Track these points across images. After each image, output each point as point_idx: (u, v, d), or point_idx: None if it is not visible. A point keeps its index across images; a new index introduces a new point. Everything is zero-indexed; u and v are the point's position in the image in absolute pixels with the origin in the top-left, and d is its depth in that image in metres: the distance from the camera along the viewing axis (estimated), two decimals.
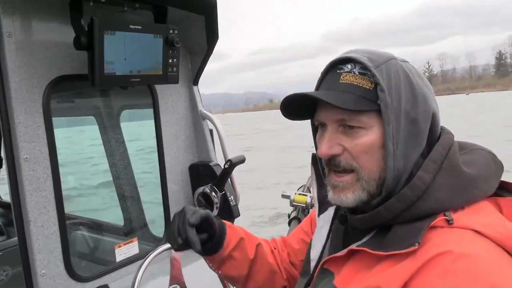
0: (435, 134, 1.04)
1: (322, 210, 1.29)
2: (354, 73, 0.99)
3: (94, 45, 1.68)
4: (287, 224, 3.01)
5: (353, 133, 0.98)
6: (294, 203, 2.81)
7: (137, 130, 3.33)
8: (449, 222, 0.91)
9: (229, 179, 2.41)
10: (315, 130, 1.13)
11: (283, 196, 2.81)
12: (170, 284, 1.70)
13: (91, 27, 1.68)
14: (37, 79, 1.80)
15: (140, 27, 1.82)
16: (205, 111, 2.50)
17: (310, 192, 2.81)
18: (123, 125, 2.91)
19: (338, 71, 1.02)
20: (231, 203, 2.37)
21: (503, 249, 0.88)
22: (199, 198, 2.42)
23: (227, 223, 1.38)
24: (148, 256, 1.78)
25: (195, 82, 2.50)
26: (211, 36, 2.27)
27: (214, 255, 1.32)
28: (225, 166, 2.26)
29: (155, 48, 1.91)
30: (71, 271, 1.91)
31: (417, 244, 0.89)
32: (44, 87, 1.82)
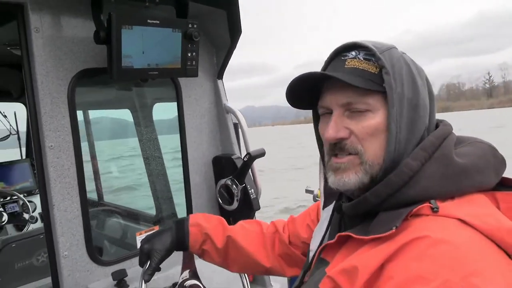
0: (431, 125, 1.04)
1: (327, 203, 1.31)
2: (359, 58, 1.01)
3: (111, 39, 1.76)
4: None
5: (360, 115, 0.98)
6: (317, 198, 2.80)
7: None
8: (433, 210, 0.89)
9: (250, 173, 2.44)
10: (316, 119, 1.14)
11: (307, 191, 2.80)
12: (182, 272, 1.74)
13: (109, 22, 1.75)
14: (62, 72, 1.90)
15: (158, 22, 1.88)
16: (229, 105, 2.54)
17: None
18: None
19: (342, 57, 1.04)
20: (251, 196, 2.39)
21: (492, 242, 0.85)
22: (220, 190, 2.47)
23: (197, 221, 1.58)
24: None
25: (220, 76, 2.54)
26: (234, 30, 2.30)
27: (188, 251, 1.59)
28: (245, 159, 2.28)
29: (174, 42, 1.96)
30: (92, 254, 2.02)
31: (394, 228, 0.88)
32: (69, 79, 1.92)
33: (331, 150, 1.04)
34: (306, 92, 1.09)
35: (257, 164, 2.36)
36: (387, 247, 0.88)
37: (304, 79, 1.04)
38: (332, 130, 1.00)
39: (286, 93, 1.10)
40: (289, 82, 1.06)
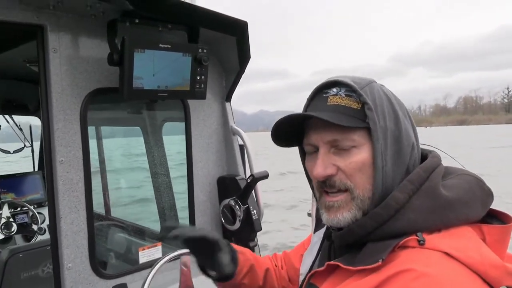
0: (415, 155, 1.06)
1: (318, 227, 1.34)
2: (340, 95, 1.03)
3: (124, 61, 1.85)
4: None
5: (346, 152, 1.01)
6: None
7: None
8: (419, 242, 0.91)
9: (254, 194, 2.49)
10: (303, 155, 1.16)
11: (309, 214, 2.82)
12: None
13: (122, 45, 1.85)
14: (77, 90, 2.00)
15: (169, 46, 1.97)
16: (235, 127, 2.61)
17: None
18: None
19: (324, 95, 1.06)
20: (254, 217, 2.44)
21: (477, 275, 0.87)
22: (224, 209, 2.51)
23: (238, 248, 1.42)
24: (160, 260, 1.88)
25: (228, 98, 2.62)
26: (243, 56, 2.39)
27: (227, 281, 1.38)
28: (248, 181, 2.34)
29: (184, 65, 2.05)
30: (95, 267, 2.07)
31: (380, 260, 0.90)
32: (82, 97, 2.02)
33: (321, 187, 1.06)
34: (291, 130, 1.11)
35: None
36: (373, 279, 0.90)
37: (289, 120, 1.07)
38: (320, 168, 1.01)
39: (272, 134, 1.11)
40: (277, 120, 1.07)
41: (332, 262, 1.03)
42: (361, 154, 1.00)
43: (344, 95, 1.03)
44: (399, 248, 0.93)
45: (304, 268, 1.28)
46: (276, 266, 1.53)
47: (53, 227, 1.99)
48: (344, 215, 1.02)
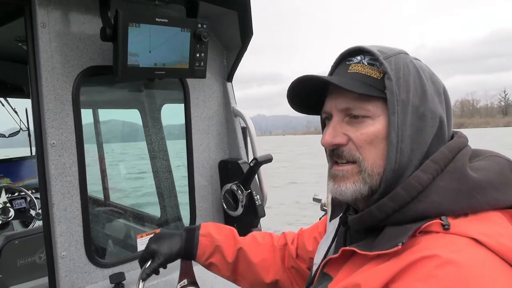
0: (442, 137, 0.97)
1: (334, 215, 1.26)
2: (363, 63, 0.98)
3: (118, 36, 1.72)
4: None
5: (358, 122, 0.95)
6: (325, 207, 2.72)
7: None
8: (444, 227, 0.83)
9: (257, 179, 2.38)
10: (324, 124, 1.09)
11: (314, 199, 2.72)
12: (180, 280, 1.69)
13: (116, 19, 1.72)
14: (68, 69, 1.87)
15: (166, 20, 1.83)
16: (237, 108, 2.49)
17: None
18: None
19: (347, 62, 1.01)
20: (257, 202, 2.34)
21: (508, 263, 0.78)
22: (225, 195, 2.41)
23: (209, 231, 1.53)
24: None
25: (229, 78, 2.49)
26: (245, 32, 2.25)
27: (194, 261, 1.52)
28: (251, 164, 2.23)
29: (182, 41, 1.92)
30: (91, 256, 1.98)
31: (400, 244, 0.83)
32: (74, 76, 1.89)
33: (330, 157, 1.01)
34: (311, 96, 1.05)
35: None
36: (393, 265, 0.82)
37: (304, 82, 1.01)
38: (329, 135, 0.97)
39: (288, 95, 1.06)
40: (291, 83, 1.03)
41: (347, 248, 0.95)
42: (374, 126, 0.93)
43: (366, 63, 0.97)
44: (420, 233, 0.85)
45: (318, 258, 1.20)
46: (285, 244, 1.50)
47: (46, 214, 1.88)
48: (347, 186, 0.97)
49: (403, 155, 0.91)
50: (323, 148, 1.03)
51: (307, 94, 1.05)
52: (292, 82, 1.02)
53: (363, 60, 0.97)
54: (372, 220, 0.94)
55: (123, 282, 1.97)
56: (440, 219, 0.84)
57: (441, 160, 0.91)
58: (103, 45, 1.93)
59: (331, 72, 1.05)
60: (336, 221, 1.20)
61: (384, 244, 0.87)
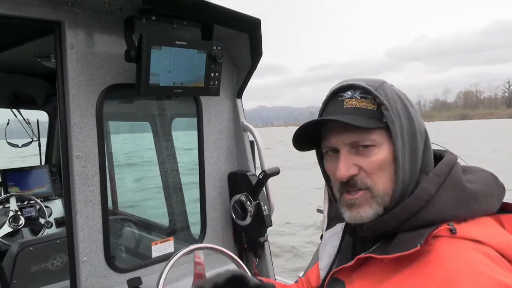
0: (428, 148, 1.11)
1: (330, 225, 1.38)
2: (356, 97, 1.07)
3: (141, 58, 1.87)
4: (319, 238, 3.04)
5: (367, 151, 1.04)
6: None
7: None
8: (451, 231, 0.95)
9: (264, 190, 2.51)
10: (320, 158, 1.20)
11: (318, 210, 2.85)
12: (194, 283, 1.82)
13: (140, 42, 1.87)
14: (93, 86, 2.02)
15: (185, 43, 1.99)
16: (246, 123, 2.64)
17: None
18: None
19: (339, 98, 1.10)
20: (264, 212, 2.47)
21: (506, 260, 0.92)
22: (234, 205, 2.54)
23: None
24: (176, 254, 1.91)
25: (239, 95, 2.64)
26: (255, 53, 2.41)
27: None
28: (259, 177, 2.37)
29: (198, 62, 2.07)
30: (109, 261, 2.10)
31: (419, 245, 0.93)
32: (98, 93, 2.04)
33: (343, 188, 1.09)
34: (308, 134, 1.15)
35: None
36: (418, 273, 0.93)
37: (309, 125, 1.10)
38: (344, 169, 1.04)
39: (294, 139, 1.14)
40: (299, 127, 1.12)
41: (362, 256, 1.05)
42: (381, 153, 1.04)
43: (359, 97, 1.07)
44: (432, 237, 0.97)
45: (322, 264, 1.30)
46: None
47: (69, 221, 2.02)
48: (367, 211, 1.05)
49: (406, 173, 1.04)
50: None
51: (300, 133, 1.14)
52: (301, 127, 1.11)
53: (355, 95, 1.07)
54: (385, 227, 1.05)
55: (140, 286, 2.09)
56: (448, 225, 0.97)
57: (441, 174, 1.04)
58: (125, 64, 2.08)
59: (323, 108, 1.14)
60: (333, 230, 1.33)
61: (400, 247, 0.98)
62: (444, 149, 1.18)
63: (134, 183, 4.69)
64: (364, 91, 1.07)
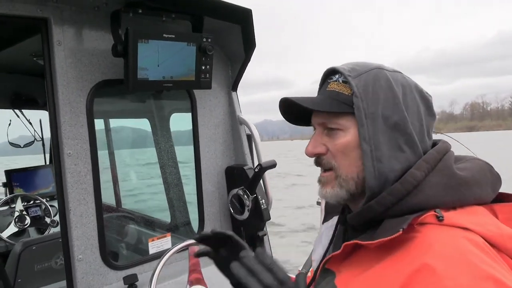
0: (424, 143, 1.07)
1: (327, 219, 1.37)
2: (338, 81, 1.08)
3: (128, 52, 1.84)
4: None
5: (333, 134, 1.07)
6: None
7: None
8: (438, 218, 0.93)
9: (262, 184, 2.48)
10: None
11: (318, 203, 2.81)
12: (189, 279, 1.79)
13: (126, 36, 1.84)
14: (82, 83, 2.00)
15: (173, 36, 1.95)
16: (242, 116, 2.60)
17: None
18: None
19: (328, 80, 1.12)
20: (262, 206, 2.44)
21: (496, 248, 0.89)
22: (232, 199, 2.51)
23: None
24: (169, 251, 1.89)
25: (234, 88, 2.61)
26: (248, 44, 2.37)
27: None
28: (256, 170, 2.33)
29: (188, 55, 2.04)
30: (105, 259, 2.09)
31: (401, 229, 0.91)
32: (88, 90, 2.02)
33: (316, 165, 1.13)
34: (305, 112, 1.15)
35: None
36: (400, 268, 0.90)
37: (289, 104, 1.13)
38: (310, 146, 1.10)
39: (283, 114, 1.19)
40: (280, 103, 1.15)
41: (349, 242, 1.03)
42: (345, 137, 1.05)
43: (341, 81, 1.08)
44: (418, 224, 0.95)
45: (316, 255, 1.29)
46: None
47: (63, 220, 2.01)
48: (327, 190, 1.09)
49: (382, 162, 1.01)
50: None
51: (300, 110, 1.14)
52: (279, 103, 1.15)
53: (339, 79, 1.09)
54: (372, 213, 1.03)
55: (136, 283, 2.08)
56: (435, 211, 0.94)
57: (432, 160, 1.02)
58: (114, 60, 2.05)
59: (319, 88, 1.17)
60: (329, 223, 1.31)
61: (385, 233, 0.95)
62: (439, 139, 1.14)
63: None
64: (346, 76, 1.07)
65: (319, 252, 1.28)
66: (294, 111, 1.17)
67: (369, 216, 1.04)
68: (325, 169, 1.10)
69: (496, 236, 0.90)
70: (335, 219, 1.31)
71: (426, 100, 1.10)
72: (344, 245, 1.04)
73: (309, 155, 1.11)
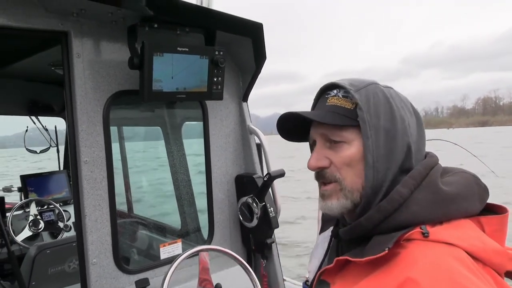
0: (415, 153, 1.11)
1: (323, 229, 1.41)
2: (338, 96, 1.13)
3: (144, 65, 1.93)
4: None
5: (337, 147, 1.10)
6: None
7: None
8: (424, 234, 0.96)
9: (271, 192, 2.54)
10: (312, 150, 1.23)
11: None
12: (199, 285, 1.86)
13: (142, 50, 1.92)
14: (99, 93, 2.08)
15: (187, 49, 2.04)
16: (252, 126, 2.67)
17: None
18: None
19: (326, 96, 1.16)
20: (271, 214, 2.50)
21: (480, 262, 0.92)
22: (241, 207, 2.58)
23: None
24: (180, 256, 1.96)
25: (245, 98, 2.68)
26: (259, 56, 2.45)
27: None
28: (265, 179, 2.39)
29: (201, 67, 2.12)
30: (118, 263, 2.16)
31: (386, 249, 0.95)
32: (105, 100, 2.10)
33: (317, 179, 1.15)
34: (299, 127, 1.20)
35: None
36: (385, 277, 0.94)
37: (288, 118, 1.17)
38: (313, 160, 1.12)
39: (279, 131, 1.22)
40: (279, 119, 1.18)
41: (340, 258, 1.08)
42: (350, 150, 1.08)
43: (341, 96, 1.12)
44: (404, 240, 0.98)
45: (311, 266, 1.34)
46: None
47: (79, 224, 2.08)
48: (333, 202, 1.11)
49: (379, 172, 1.06)
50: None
51: (296, 125, 1.20)
52: (279, 118, 1.18)
53: (338, 93, 1.13)
54: (361, 230, 1.08)
55: (148, 287, 2.14)
56: (420, 228, 0.98)
57: (418, 176, 1.05)
58: (130, 71, 2.14)
59: (314, 104, 1.21)
60: (326, 234, 1.36)
61: (373, 250, 1.00)
62: (427, 152, 1.17)
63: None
64: (346, 91, 1.11)
65: (314, 263, 1.33)
66: (290, 126, 1.21)
67: (359, 233, 1.09)
68: (327, 182, 1.12)
69: (479, 250, 0.92)
70: (331, 229, 1.34)
71: (417, 114, 1.15)
72: (336, 260, 1.09)
73: (312, 168, 1.12)
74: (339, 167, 1.09)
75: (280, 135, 1.25)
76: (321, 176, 1.13)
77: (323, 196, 1.14)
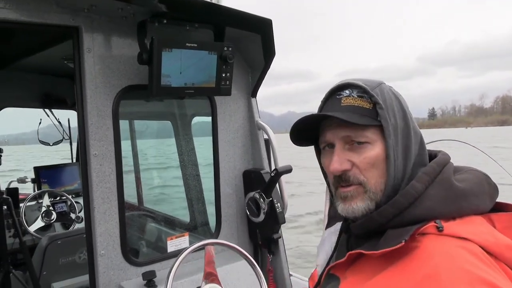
0: (423, 148, 1.14)
1: (330, 224, 1.42)
2: (353, 96, 1.11)
3: (153, 61, 1.95)
4: None
5: (360, 148, 1.08)
6: None
7: None
8: (438, 229, 0.97)
9: (278, 188, 2.56)
10: (318, 153, 1.23)
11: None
12: (204, 277, 1.88)
13: (151, 45, 1.95)
14: (109, 88, 2.11)
15: (196, 45, 2.05)
16: (261, 122, 2.68)
17: None
18: None
19: (337, 96, 1.14)
20: (278, 210, 2.51)
21: (493, 256, 0.93)
22: (249, 202, 2.60)
23: None
24: (186, 250, 1.98)
25: (254, 94, 2.69)
26: (268, 53, 2.46)
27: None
28: (272, 175, 2.41)
29: (209, 63, 2.13)
30: (126, 255, 2.20)
31: (403, 241, 0.96)
32: (114, 94, 2.13)
33: (337, 182, 1.12)
34: (307, 130, 1.19)
35: None
36: (403, 270, 0.95)
37: (307, 121, 1.14)
38: (336, 163, 1.08)
39: (291, 135, 1.19)
40: (296, 121, 1.15)
41: (353, 252, 1.08)
42: (374, 150, 1.07)
43: (356, 96, 1.10)
44: (419, 234, 0.99)
45: (319, 260, 1.34)
46: None
47: (88, 217, 2.12)
48: (358, 204, 1.09)
49: (398, 171, 1.07)
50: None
51: (300, 130, 1.18)
52: (297, 122, 1.15)
53: (352, 94, 1.11)
54: (374, 224, 1.08)
55: (154, 279, 2.18)
56: (435, 222, 0.99)
57: (432, 173, 1.06)
58: (140, 66, 2.16)
59: (322, 106, 1.19)
60: (332, 229, 1.36)
61: (387, 243, 1.00)
62: (439, 150, 1.19)
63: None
64: (361, 91, 1.10)
65: (322, 257, 1.33)
66: (301, 131, 1.18)
67: (371, 227, 1.09)
68: (349, 184, 1.09)
69: (492, 245, 0.94)
70: (338, 224, 1.35)
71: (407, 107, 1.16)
72: (349, 254, 1.09)
73: (337, 172, 1.09)
74: (362, 169, 1.08)
75: (292, 140, 1.22)
76: (345, 179, 1.10)
77: (345, 198, 1.11)
